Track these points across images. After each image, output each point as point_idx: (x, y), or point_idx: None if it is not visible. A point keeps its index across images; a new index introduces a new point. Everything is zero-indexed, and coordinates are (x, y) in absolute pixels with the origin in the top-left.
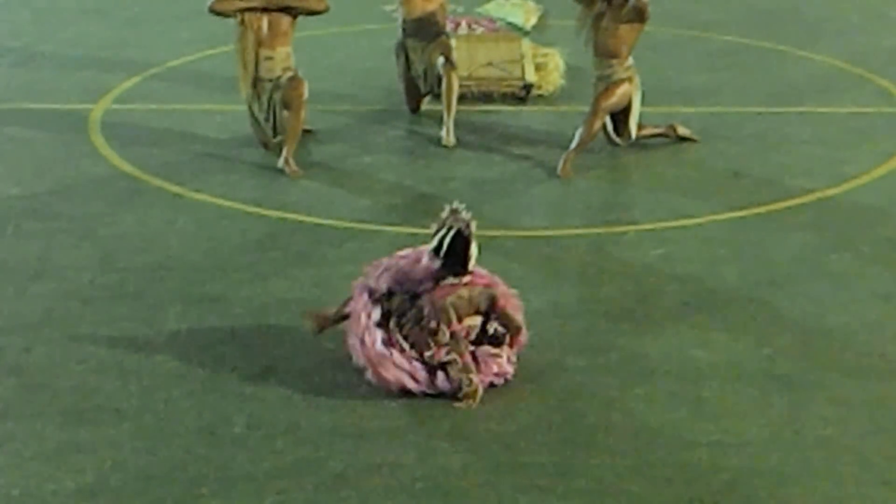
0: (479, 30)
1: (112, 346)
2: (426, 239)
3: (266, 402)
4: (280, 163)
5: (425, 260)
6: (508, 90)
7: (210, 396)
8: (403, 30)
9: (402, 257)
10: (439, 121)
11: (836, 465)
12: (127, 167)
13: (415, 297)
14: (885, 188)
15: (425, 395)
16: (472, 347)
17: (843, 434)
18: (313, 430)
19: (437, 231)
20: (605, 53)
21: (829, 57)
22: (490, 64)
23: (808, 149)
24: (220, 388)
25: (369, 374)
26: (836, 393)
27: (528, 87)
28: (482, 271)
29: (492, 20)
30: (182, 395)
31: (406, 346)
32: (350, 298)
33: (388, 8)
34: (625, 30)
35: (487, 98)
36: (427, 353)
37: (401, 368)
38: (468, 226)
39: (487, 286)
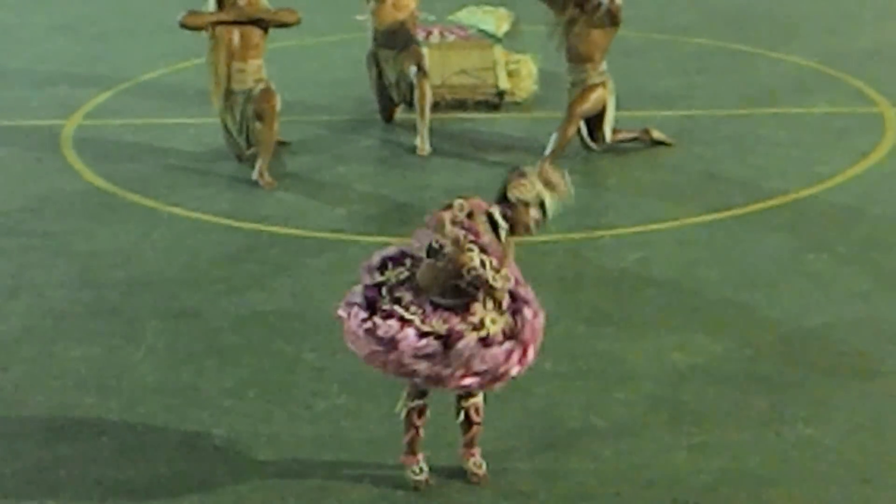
0: (451, 38)
1: (90, 362)
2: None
3: (246, 414)
4: (254, 175)
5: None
6: (482, 97)
7: (189, 410)
8: (375, 39)
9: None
10: (413, 129)
11: (817, 465)
12: (101, 182)
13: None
14: (859, 188)
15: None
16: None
17: (824, 434)
18: (294, 441)
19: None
20: (578, 59)
21: (801, 58)
22: (463, 71)
23: (782, 150)
24: (199, 402)
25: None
26: (816, 393)
27: (501, 94)
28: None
29: (464, 28)
30: (161, 409)
31: (400, 310)
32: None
33: (360, 18)
34: (597, 34)
35: (461, 106)
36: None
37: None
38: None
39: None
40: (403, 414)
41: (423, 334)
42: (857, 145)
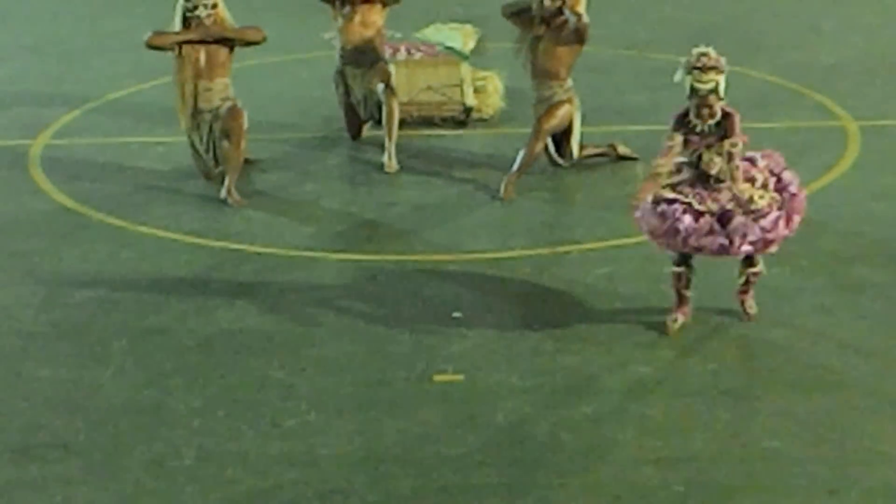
0: (418, 55)
1: (58, 382)
2: (371, 265)
3: (215, 432)
4: (222, 193)
5: None
6: (449, 114)
7: (158, 429)
8: (342, 57)
9: None
10: (381, 147)
11: (783, 477)
12: (68, 202)
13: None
14: (822, 202)
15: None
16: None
17: (789, 446)
18: (263, 459)
19: None
20: (544, 75)
21: (765, 73)
22: (430, 88)
23: None
24: (168, 421)
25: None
26: (781, 406)
27: (468, 111)
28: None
29: (430, 45)
30: (130, 429)
31: (681, 197)
32: None
33: (327, 35)
34: (564, 51)
35: (428, 122)
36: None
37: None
38: None
39: None
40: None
41: (699, 214)
42: (819, 159)
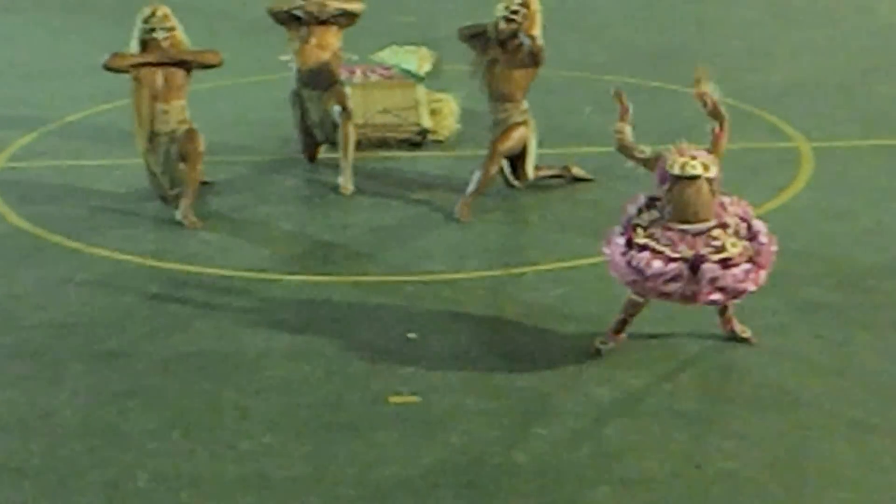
0: (374, 77)
1: (12, 405)
2: (326, 287)
3: (169, 455)
4: (178, 215)
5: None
6: (404, 136)
7: (112, 452)
8: (298, 79)
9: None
10: (336, 169)
11: (738, 498)
12: (24, 224)
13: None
14: (776, 222)
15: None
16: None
17: (744, 467)
18: (217, 482)
19: None
20: (500, 97)
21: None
22: (386, 110)
23: None
24: (122, 444)
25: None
26: (736, 426)
27: (423, 133)
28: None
29: (386, 67)
30: (84, 452)
31: (652, 243)
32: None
33: (284, 58)
34: (519, 74)
35: (384, 144)
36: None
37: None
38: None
39: None
40: (625, 299)
41: (671, 260)
42: (773, 180)
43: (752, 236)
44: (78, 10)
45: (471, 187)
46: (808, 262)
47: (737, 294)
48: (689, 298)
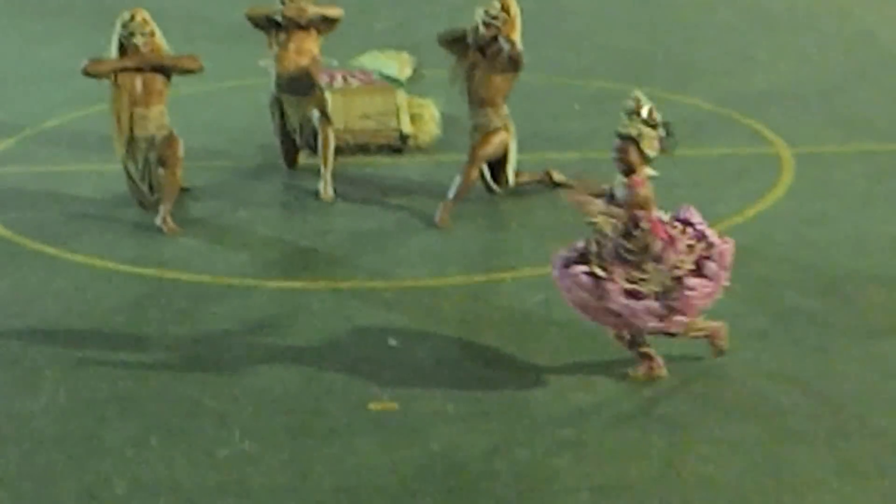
0: (354, 82)
1: None
2: (306, 293)
3: (148, 462)
4: (157, 221)
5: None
6: (385, 142)
7: (90, 459)
8: (278, 85)
9: None
10: (316, 174)
11: None
12: (1, 230)
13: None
14: (756, 228)
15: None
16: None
17: (723, 473)
18: (196, 489)
19: None
20: (480, 102)
21: (698, 100)
22: (366, 116)
23: (680, 191)
24: (100, 451)
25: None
26: (715, 432)
27: (404, 138)
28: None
29: (366, 72)
30: (61, 459)
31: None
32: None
33: (263, 63)
34: (499, 79)
35: (364, 150)
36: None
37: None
38: None
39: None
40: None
41: (589, 274)
42: (753, 186)
43: (683, 287)
44: (56, 14)
45: (451, 193)
46: (787, 268)
47: (631, 326)
48: (587, 313)
